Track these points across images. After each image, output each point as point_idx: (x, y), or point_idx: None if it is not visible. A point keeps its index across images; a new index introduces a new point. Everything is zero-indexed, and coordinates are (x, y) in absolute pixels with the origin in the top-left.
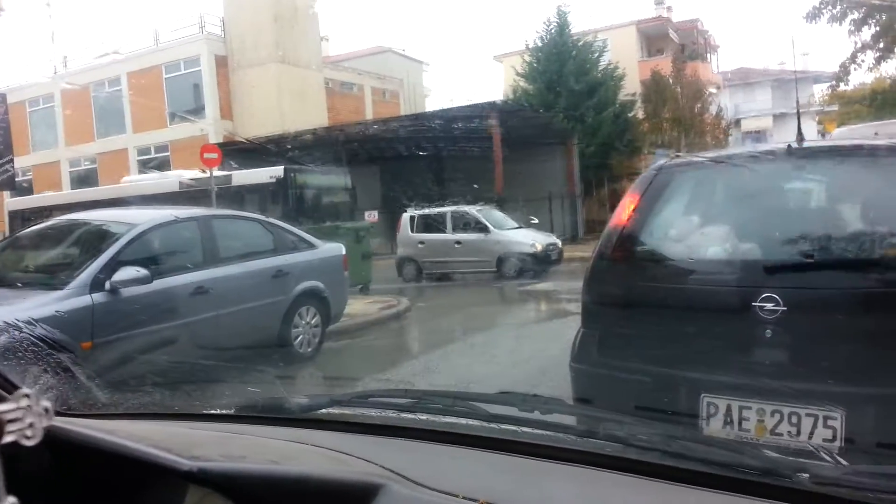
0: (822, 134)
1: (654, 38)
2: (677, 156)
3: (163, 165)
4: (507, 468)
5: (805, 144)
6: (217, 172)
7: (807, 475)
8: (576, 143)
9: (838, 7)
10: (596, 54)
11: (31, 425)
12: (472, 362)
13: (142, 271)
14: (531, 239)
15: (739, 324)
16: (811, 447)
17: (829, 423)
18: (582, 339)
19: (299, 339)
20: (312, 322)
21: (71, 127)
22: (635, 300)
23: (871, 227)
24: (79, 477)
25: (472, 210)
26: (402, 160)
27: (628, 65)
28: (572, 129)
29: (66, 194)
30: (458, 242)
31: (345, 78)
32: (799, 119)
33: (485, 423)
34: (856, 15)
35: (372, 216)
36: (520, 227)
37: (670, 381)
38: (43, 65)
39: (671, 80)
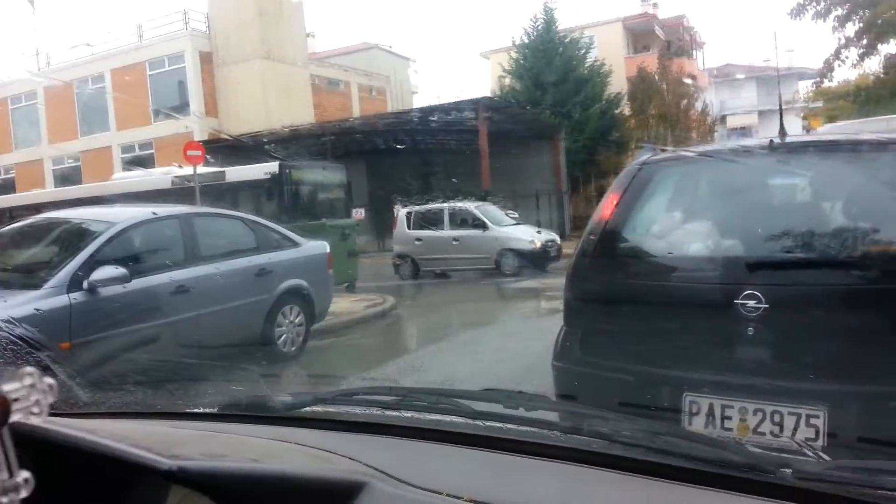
0: (807, 130)
1: (640, 34)
2: (663, 150)
3: (147, 163)
4: (491, 465)
5: (787, 140)
6: (211, 169)
7: (790, 471)
8: (563, 139)
9: (822, 4)
10: (582, 51)
11: (37, 402)
12: (457, 360)
13: (120, 270)
14: (530, 235)
15: (721, 321)
16: (795, 443)
17: (812, 421)
18: (564, 338)
19: (283, 338)
20: (296, 321)
21: (54, 124)
22: (617, 298)
23: (854, 223)
24: (59, 477)
25: (470, 206)
26: (388, 157)
27: (615, 61)
28: (559, 125)
29: (54, 192)
30: (456, 239)
31: (331, 75)
32: (781, 114)
33: (469, 420)
34: (839, 11)
35: (358, 213)
36: (518, 224)
37: (653, 379)
38: (26, 61)
39: (657, 77)
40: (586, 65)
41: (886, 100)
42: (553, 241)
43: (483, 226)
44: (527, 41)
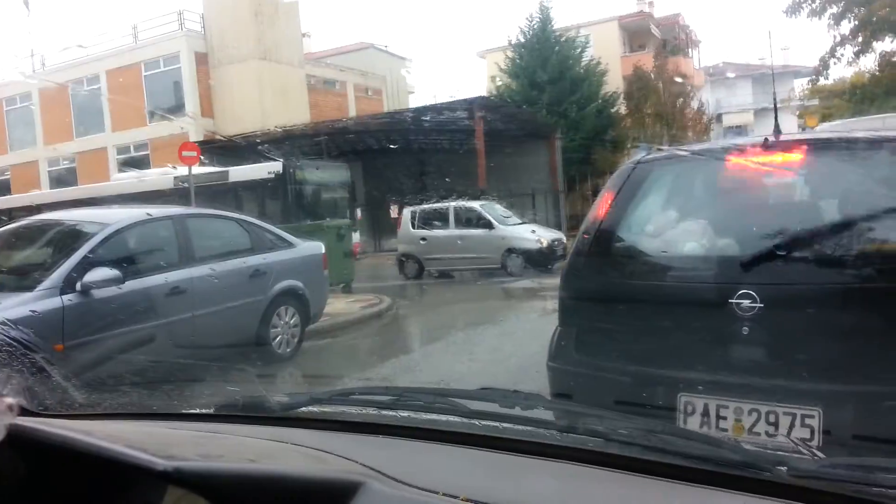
0: (803, 128)
1: (636, 33)
2: (659, 150)
3: (142, 164)
4: (488, 464)
5: (782, 138)
6: (213, 169)
7: (785, 468)
8: (559, 138)
9: (817, 1)
10: (578, 50)
11: (9, 407)
12: (453, 360)
13: (114, 272)
14: (536, 234)
15: (716, 321)
16: (791, 440)
17: (807, 421)
18: (559, 338)
19: (278, 339)
20: (291, 322)
21: (49, 126)
22: (612, 297)
23: (849, 222)
24: (56, 478)
25: (476, 205)
26: (383, 156)
27: (611, 60)
28: (555, 124)
29: (54, 193)
30: (462, 238)
31: (327, 75)
32: (776, 113)
33: (466, 420)
34: (835, 9)
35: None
36: (524, 223)
37: (648, 379)
38: (20, 63)
39: (653, 76)
40: (582, 64)
41: (882, 98)
42: (559, 239)
43: (489, 225)
44: (523, 40)
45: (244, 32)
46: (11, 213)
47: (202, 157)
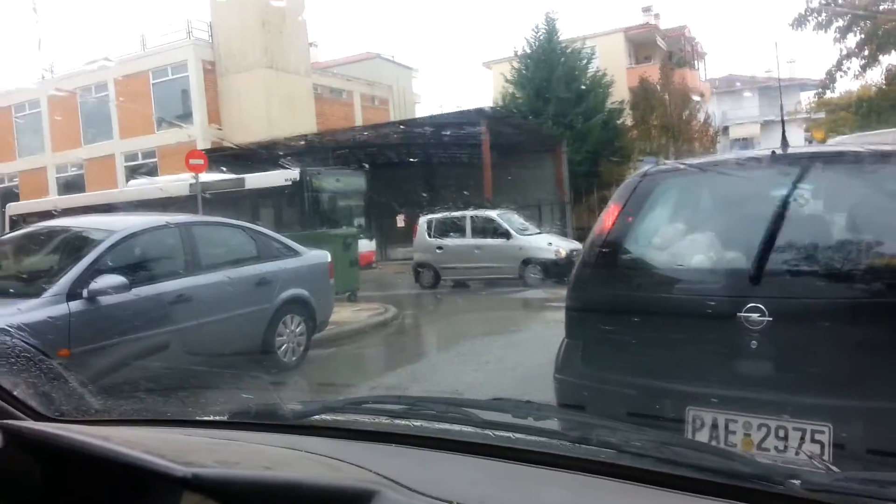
0: (809, 141)
1: (641, 45)
2: (665, 162)
3: (150, 172)
4: (500, 474)
5: (789, 151)
6: (230, 176)
7: (798, 482)
8: (564, 149)
9: (824, 15)
10: (584, 61)
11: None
12: (459, 371)
13: (120, 279)
14: (554, 245)
15: (724, 334)
16: (804, 453)
17: (817, 436)
18: (566, 350)
19: (283, 347)
20: (297, 330)
21: (57, 133)
22: (619, 310)
23: (858, 236)
24: (72, 483)
25: (493, 214)
26: (390, 166)
27: (616, 72)
28: (561, 135)
29: (69, 198)
30: (479, 248)
31: (334, 84)
32: (783, 125)
33: (478, 430)
34: (841, 22)
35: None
36: (541, 233)
37: (655, 393)
38: (30, 70)
39: (659, 88)
40: (588, 75)
41: (888, 111)
42: (577, 250)
43: (506, 235)
44: (529, 51)
45: (251, 41)
46: (27, 219)
47: (221, 166)
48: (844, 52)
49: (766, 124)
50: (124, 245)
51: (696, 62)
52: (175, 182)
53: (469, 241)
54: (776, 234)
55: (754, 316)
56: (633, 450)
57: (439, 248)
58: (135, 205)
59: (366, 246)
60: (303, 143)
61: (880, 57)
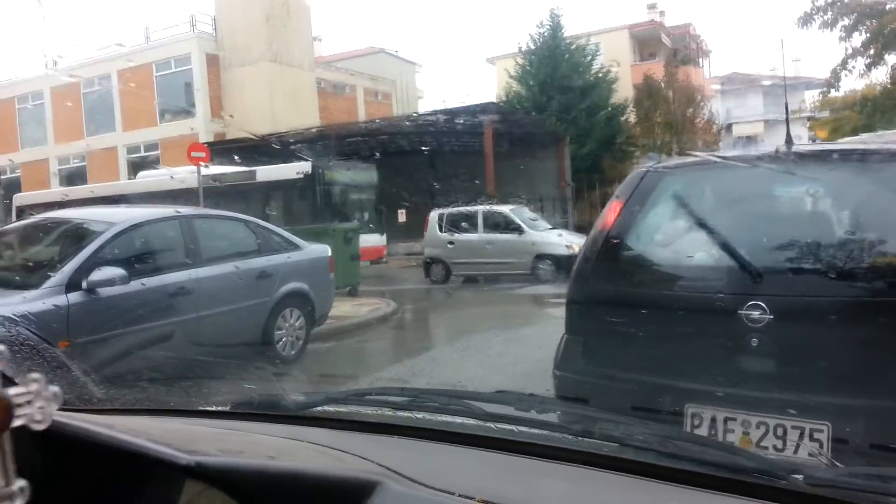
0: (813, 140)
1: (646, 42)
2: (667, 160)
3: (153, 164)
4: (503, 467)
5: (793, 149)
6: (241, 168)
7: (801, 476)
8: (568, 145)
9: (829, 13)
10: (588, 58)
11: (40, 409)
12: (457, 366)
13: (119, 271)
14: (567, 240)
15: (725, 332)
16: (809, 448)
17: (816, 435)
18: (566, 346)
19: (283, 341)
20: (296, 324)
21: (60, 124)
22: (620, 306)
23: (861, 234)
24: (73, 471)
25: (505, 209)
26: (392, 161)
27: (621, 69)
28: (564, 131)
29: (78, 189)
30: (491, 243)
31: (337, 78)
32: (788, 123)
33: (481, 422)
34: (846, 21)
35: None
36: (553, 228)
37: (655, 389)
38: (33, 61)
39: (663, 85)
40: (592, 72)
41: (893, 110)
42: None
43: (519, 229)
44: (533, 47)
45: (255, 35)
46: (35, 209)
47: (224, 159)
48: (850, 50)
49: (770, 122)
50: (124, 237)
51: (700, 60)
52: (185, 174)
53: (481, 235)
54: (778, 231)
55: (755, 313)
56: (635, 443)
57: (450, 242)
58: (144, 196)
59: (376, 240)
60: (303, 136)
61: (886, 56)
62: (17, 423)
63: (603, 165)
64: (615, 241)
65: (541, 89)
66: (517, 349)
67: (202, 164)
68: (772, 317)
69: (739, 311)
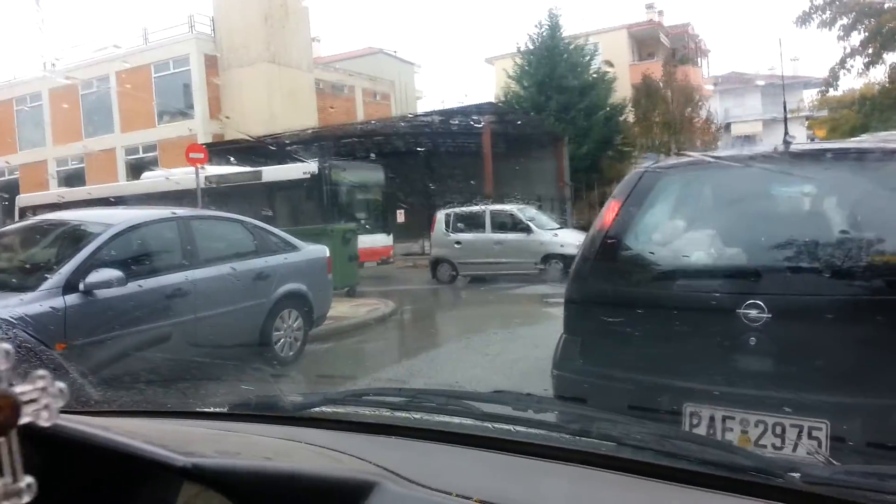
0: (811, 139)
1: (645, 41)
2: (665, 160)
3: (151, 165)
4: (501, 467)
5: (792, 148)
6: (247, 169)
7: (798, 475)
8: (566, 145)
9: (828, 12)
10: (587, 58)
11: (46, 406)
12: (455, 366)
13: (116, 273)
14: (576, 240)
15: (723, 331)
16: (807, 445)
17: (815, 434)
18: (564, 346)
19: (280, 342)
20: (294, 325)
21: (58, 126)
22: (618, 305)
23: (859, 233)
24: (68, 473)
25: (513, 209)
26: (391, 161)
27: (619, 68)
28: (563, 131)
29: (79, 190)
30: (498, 243)
31: (336, 79)
32: (786, 122)
33: (479, 422)
34: (845, 20)
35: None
36: (562, 228)
37: (653, 388)
38: (31, 63)
39: (662, 84)
40: (591, 71)
41: (891, 109)
42: None
43: (527, 229)
44: (531, 47)
45: (254, 36)
46: (37, 210)
47: (223, 160)
48: (848, 49)
49: (768, 122)
50: (121, 239)
51: (699, 59)
52: (188, 175)
53: (488, 235)
54: (776, 230)
55: (753, 312)
56: (633, 443)
57: (457, 242)
58: (147, 197)
59: (382, 240)
60: (302, 136)
61: (884, 55)
62: (23, 420)
63: (601, 165)
64: (613, 240)
65: (539, 89)
66: (516, 349)
67: (199, 165)
68: (770, 316)
69: (737, 310)
